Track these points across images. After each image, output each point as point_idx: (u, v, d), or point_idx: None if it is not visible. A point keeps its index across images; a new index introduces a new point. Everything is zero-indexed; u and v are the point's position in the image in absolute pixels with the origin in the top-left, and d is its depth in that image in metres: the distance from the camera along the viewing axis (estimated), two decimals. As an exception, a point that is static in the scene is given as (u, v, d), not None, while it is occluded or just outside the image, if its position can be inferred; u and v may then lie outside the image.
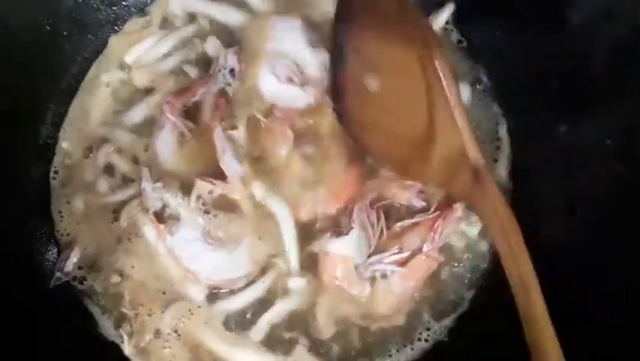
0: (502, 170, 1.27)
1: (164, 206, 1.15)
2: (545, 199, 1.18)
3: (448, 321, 1.18)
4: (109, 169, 1.27)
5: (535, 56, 1.22)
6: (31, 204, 1.27)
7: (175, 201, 1.13)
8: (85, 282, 1.20)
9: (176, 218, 1.14)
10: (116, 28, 1.42)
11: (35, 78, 1.31)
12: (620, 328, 0.94)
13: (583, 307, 0.98)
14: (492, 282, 1.19)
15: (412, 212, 1.16)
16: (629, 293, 0.96)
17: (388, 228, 1.13)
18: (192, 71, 1.32)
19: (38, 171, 1.30)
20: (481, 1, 1.34)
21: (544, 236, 1.08)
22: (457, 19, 1.37)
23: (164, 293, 1.15)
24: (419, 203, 1.16)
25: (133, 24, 1.42)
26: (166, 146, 1.22)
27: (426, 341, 1.16)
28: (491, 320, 1.12)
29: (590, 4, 1.11)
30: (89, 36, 1.39)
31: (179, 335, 1.13)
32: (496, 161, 1.27)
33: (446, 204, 1.14)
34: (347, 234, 1.11)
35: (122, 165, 1.27)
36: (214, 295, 1.16)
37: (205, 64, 1.32)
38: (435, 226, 1.11)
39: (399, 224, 1.13)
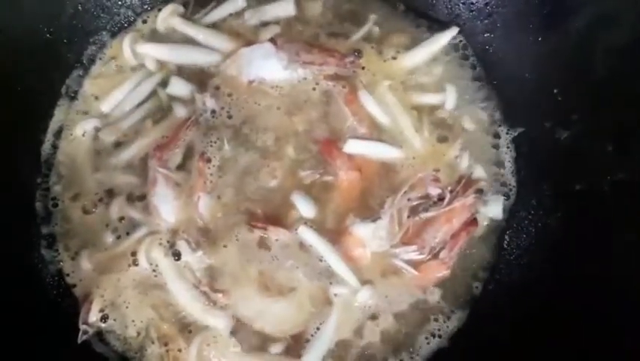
0: (508, 176, 1.35)
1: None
2: (548, 204, 1.26)
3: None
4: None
5: (537, 63, 1.29)
6: (32, 213, 1.30)
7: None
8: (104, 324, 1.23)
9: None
10: (114, 35, 1.46)
11: (35, 85, 1.34)
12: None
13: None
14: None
15: (428, 205, 1.26)
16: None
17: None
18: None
19: (39, 180, 1.33)
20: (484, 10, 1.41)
21: (549, 239, 1.19)
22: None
23: (189, 331, 1.21)
24: (435, 190, 1.26)
25: (102, 66, 1.45)
26: (165, 201, 1.26)
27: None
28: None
29: (591, 12, 1.17)
30: (90, 43, 1.44)
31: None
32: (501, 167, 1.35)
33: (462, 188, 1.26)
34: (373, 222, 1.23)
35: (134, 213, 1.29)
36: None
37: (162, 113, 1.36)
38: (457, 236, 1.23)
39: (418, 217, 1.23)
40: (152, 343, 1.22)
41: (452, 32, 1.41)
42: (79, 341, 1.19)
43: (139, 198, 1.30)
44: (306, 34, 1.44)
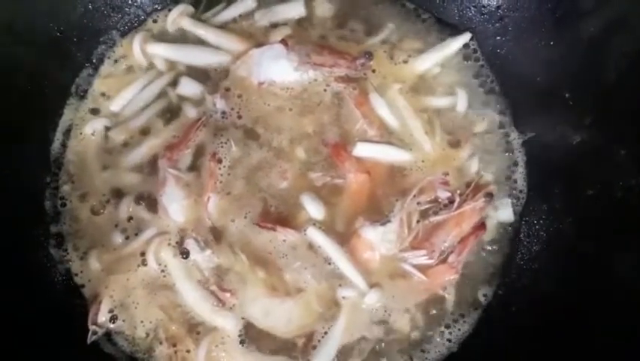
0: (519, 180, 1.34)
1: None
2: (559, 209, 1.26)
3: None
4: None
5: (549, 66, 1.28)
6: (41, 212, 1.30)
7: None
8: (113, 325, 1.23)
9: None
10: (124, 34, 1.46)
11: (45, 84, 1.34)
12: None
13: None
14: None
15: (437, 208, 1.27)
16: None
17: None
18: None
19: (48, 179, 1.33)
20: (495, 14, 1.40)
21: (560, 244, 1.18)
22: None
23: (198, 333, 1.22)
24: (444, 194, 1.26)
25: (112, 66, 1.44)
26: (174, 201, 1.26)
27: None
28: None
29: (603, 15, 1.17)
30: (100, 42, 1.44)
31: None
32: (512, 171, 1.34)
33: (472, 192, 1.26)
34: (382, 225, 1.23)
35: (143, 213, 1.29)
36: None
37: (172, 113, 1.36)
38: (466, 240, 1.23)
39: (427, 220, 1.24)
40: (161, 344, 1.22)
41: (465, 38, 1.41)
42: (88, 342, 1.19)
43: (148, 198, 1.30)
44: (317, 36, 1.44)
